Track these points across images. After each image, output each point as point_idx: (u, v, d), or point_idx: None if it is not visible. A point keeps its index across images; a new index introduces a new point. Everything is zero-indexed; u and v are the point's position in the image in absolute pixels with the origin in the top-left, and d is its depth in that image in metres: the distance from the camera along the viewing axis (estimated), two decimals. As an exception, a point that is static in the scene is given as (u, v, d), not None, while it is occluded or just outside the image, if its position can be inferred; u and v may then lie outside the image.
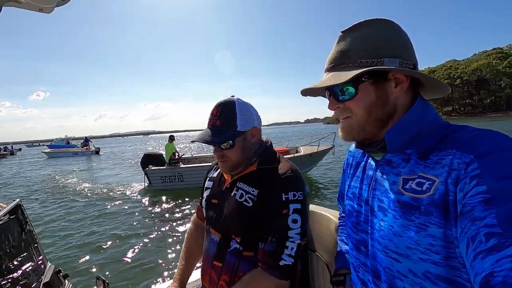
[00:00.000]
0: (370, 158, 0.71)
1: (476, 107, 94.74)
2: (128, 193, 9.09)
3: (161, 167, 9.10)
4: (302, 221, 0.87)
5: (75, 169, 17.03)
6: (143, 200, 8.09)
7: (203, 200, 1.09)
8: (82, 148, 31.08)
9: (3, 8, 0.90)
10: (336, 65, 0.61)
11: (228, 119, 0.92)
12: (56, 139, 36.94)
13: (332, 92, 0.62)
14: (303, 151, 9.74)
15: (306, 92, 0.71)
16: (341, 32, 0.63)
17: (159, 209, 7.12)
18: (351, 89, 0.59)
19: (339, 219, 0.98)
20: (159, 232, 5.46)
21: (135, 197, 8.53)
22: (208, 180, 1.12)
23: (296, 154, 9.21)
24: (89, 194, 9.27)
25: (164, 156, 9.36)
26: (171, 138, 9.45)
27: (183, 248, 1.17)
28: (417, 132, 0.58)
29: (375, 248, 0.62)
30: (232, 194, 0.96)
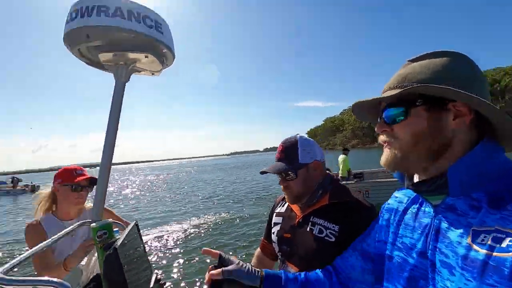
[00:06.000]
0: (424, 204, 0.62)
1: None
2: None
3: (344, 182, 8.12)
4: None
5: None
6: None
7: (274, 235, 1.11)
8: (9, 186, 25.75)
9: (131, 77, 1.19)
10: (392, 87, 0.58)
11: (291, 153, 1.03)
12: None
13: (383, 114, 0.60)
14: None
15: (357, 109, 0.68)
16: (408, 60, 0.61)
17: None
18: (402, 112, 0.56)
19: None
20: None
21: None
22: (276, 216, 1.16)
23: None
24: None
25: (340, 170, 8.71)
26: (346, 150, 8.87)
27: None
28: (485, 172, 0.51)
29: None
30: (308, 229, 0.98)
